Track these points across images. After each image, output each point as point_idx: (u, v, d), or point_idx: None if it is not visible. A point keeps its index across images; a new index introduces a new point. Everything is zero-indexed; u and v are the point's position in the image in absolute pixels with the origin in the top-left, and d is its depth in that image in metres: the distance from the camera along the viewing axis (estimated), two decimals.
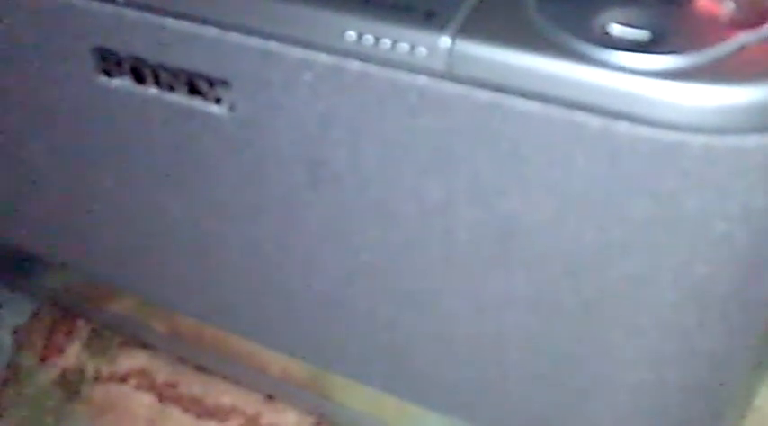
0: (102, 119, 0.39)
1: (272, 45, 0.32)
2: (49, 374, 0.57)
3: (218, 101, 0.35)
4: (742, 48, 0.27)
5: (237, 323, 0.48)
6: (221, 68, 0.34)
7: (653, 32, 0.27)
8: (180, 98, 0.36)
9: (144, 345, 0.57)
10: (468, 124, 0.30)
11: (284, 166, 0.36)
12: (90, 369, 0.57)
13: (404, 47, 0.29)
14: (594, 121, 0.28)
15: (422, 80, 0.30)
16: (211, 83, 0.35)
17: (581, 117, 0.28)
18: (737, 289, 0.31)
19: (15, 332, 0.60)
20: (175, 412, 0.54)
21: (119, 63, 0.36)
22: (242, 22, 0.32)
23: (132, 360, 0.57)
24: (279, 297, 0.43)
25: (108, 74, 0.37)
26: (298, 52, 0.32)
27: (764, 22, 0.27)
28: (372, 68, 0.30)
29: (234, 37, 0.32)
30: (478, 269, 0.35)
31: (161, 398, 0.55)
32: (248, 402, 0.54)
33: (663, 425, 0.37)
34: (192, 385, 0.55)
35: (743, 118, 0.26)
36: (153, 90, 0.36)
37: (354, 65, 0.31)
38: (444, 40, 0.29)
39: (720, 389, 0.36)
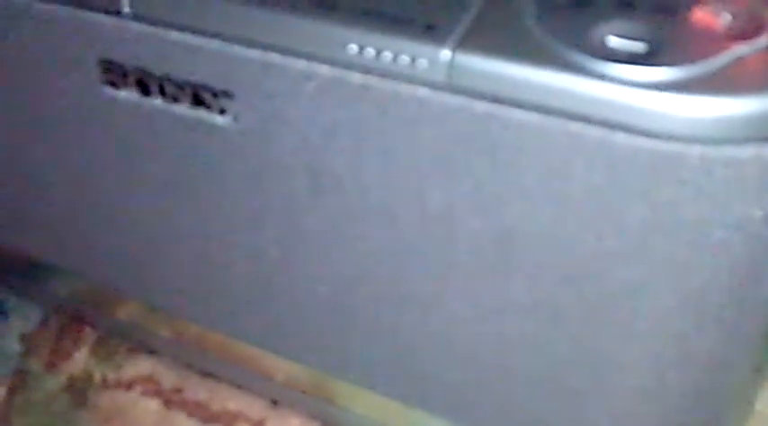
0: (107, 129, 0.40)
1: (275, 57, 0.32)
2: (56, 380, 0.57)
3: (222, 112, 0.35)
4: (738, 59, 0.27)
5: (242, 329, 0.48)
6: (225, 80, 0.34)
7: (650, 44, 0.28)
8: (184, 109, 0.36)
9: (150, 351, 0.58)
10: (468, 135, 0.30)
11: (287, 175, 0.36)
12: (97, 376, 0.57)
13: (405, 59, 0.30)
14: (592, 132, 0.28)
15: (422, 92, 0.30)
16: (215, 94, 0.35)
17: (579, 128, 0.28)
18: (735, 295, 0.31)
19: (23, 338, 0.60)
20: (181, 418, 0.54)
21: (124, 75, 0.37)
22: (245, 34, 0.33)
23: (138, 367, 0.57)
24: (282, 303, 0.44)
25: (113, 85, 0.37)
26: (300, 64, 0.32)
27: (760, 34, 0.28)
28: (374, 80, 0.31)
29: (237, 49, 0.33)
30: (479, 275, 0.35)
31: (167, 404, 0.55)
32: (253, 407, 0.54)
33: None
34: (198, 390, 0.55)
35: (739, 128, 0.26)
36: (158, 101, 0.37)
37: (356, 77, 0.31)
38: (444, 53, 0.29)
39: (720, 394, 0.36)
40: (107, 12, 0.35)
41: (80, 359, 0.58)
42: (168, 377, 0.56)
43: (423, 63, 0.29)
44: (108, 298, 0.56)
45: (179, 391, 0.56)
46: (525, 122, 0.29)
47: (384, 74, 0.30)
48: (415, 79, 0.30)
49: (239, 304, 0.46)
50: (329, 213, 0.37)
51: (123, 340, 0.59)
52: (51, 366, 0.58)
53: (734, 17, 0.28)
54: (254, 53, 0.33)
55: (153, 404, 0.55)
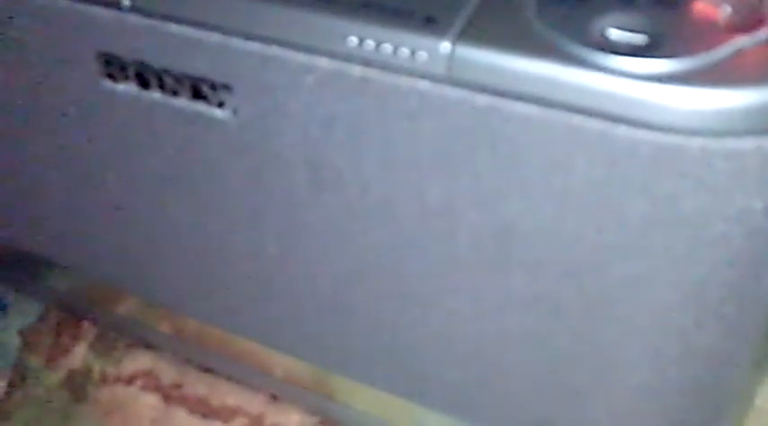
0: (106, 123, 0.40)
1: (274, 50, 0.32)
2: (55, 375, 0.57)
3: (221, 105, 0.35)
4: (739, 51, 0.27)
5: (242, 324, 0.48)
6: (224, 73, 0.34)
7: (651, 36, 0.27)
8: (184, 102, 0.36)
9: (149, 347, 0.58)
10: (468, 128, 0.30)
11: (287, 169, 0.36)
12: (96, 371, 0.57)
13: (405, 52, 0.30)
14: (593, 125, 0.28)
15: (422, 84, 0.30)
16: (214, 87, 0.35)
17: (580, 120, 0.28)
18: (735, 290, 0.31)
19: (22, 333, 0.60)
20: (181, 413, 0.54)
21: (123, 68, 0.37)
22: (244, 27, 0.33)
23: (138, 362, 0.57)
24: (282, 298, 0.44)
25: (112, 78, 0.37)
26: (300, 57, 0.32)
27: (761, 26, 0.28)
28: (373, 73, 0.31)
29: (236, 42, 0.33)
30: (479, 270, 0.35)
31: (166, 399, 0.55)
32: (253, 402, 0.54)
33: (662, 425, 0.37)
34: (197, 385, 0.55)
35: (739, 121, 0.26)
36: (157, 94, 0.37)
37: (356, 69, 0.31)
38: (444, 45, 0.29)
39: (720, 389, 0.36)
40: (106, 4, 0.35)
41: (79, 353, 0.58)
42: (168, 372, 0.56)
43: (423, 55, 0.29)
44: (107, 294, 0.56)
45: (178, 386, 0.56)
46: (526, 115, 0.29)
47: (384, 66, 0.30)
48: (415, 72, 0.30)
49: (239, 299, 0.46)
50: (329, 207, 0.37)
51: (122, 335, 0.59)
52: (50, 361, 0.58)
53: (734, 9, 0.28)
54: (254, 46, 0.33)
55: (152, 399, 0.55)
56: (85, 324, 0.60)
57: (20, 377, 0.58)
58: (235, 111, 0.35)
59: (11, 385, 0.57)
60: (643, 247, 0.30)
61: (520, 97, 0.29)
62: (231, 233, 0.42)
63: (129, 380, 0.56)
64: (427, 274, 0.37)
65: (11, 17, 0.38)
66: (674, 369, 0.34)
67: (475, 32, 0.29)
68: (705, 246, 0.29)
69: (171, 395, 0.55)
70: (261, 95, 0.34)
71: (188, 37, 0.34)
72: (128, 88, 0.37)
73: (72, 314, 0.60)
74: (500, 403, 0.41)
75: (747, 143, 0.27)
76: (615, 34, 0.28)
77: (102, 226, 0.47)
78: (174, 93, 0.36)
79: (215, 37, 0.33)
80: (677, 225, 0.29)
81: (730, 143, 0.27)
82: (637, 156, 0.28)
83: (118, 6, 0.35)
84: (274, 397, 0.54)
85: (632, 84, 0.27)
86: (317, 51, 0.31)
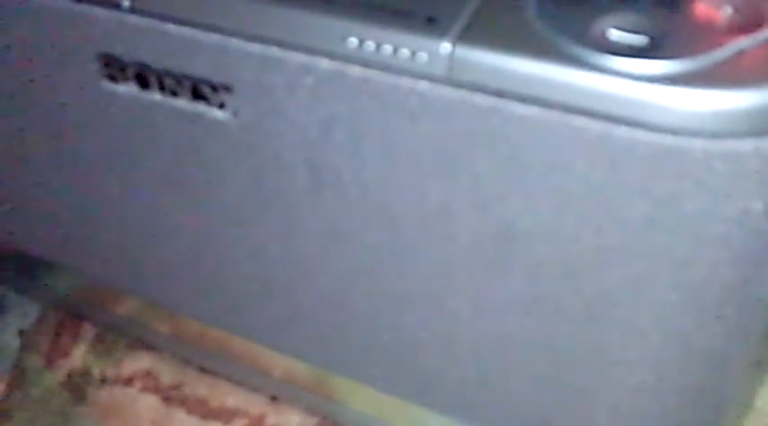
0: (107, 123, 0.40)
1: (275, 51, 0.32)
2: (55, 376, 0.57)
3: (221, 106, 0.35)
4: (739, 53, 0.27)
5: (241, 325, 0.48)
6: (224, 74, 0.34)
7: (651, 38, 0.27)
8: (184, 103, 0.36)
9: (149, 347, 0.58)
10: (468, 128, 0.30)
11: (287, 170, 0.36)
12: (95, 372, 0.57)
13: (405, 52, 0.30)
14: (593, 126, 0.28)
15: (423, 85, 0.30)
16: (215, 88, 0.35)
17: (580, 121, 0.28)
18: (735, 291, 0.31)
19: (21, 334, 0.60)
20: (180, 414, 0.54)
21: (123, 69, 0.37)
22: (244, 28, 0.33)
23: (137, 363, 0.57)
24: (282, 299, 0.44)
25: (113, 79, 0.37)
26: (300, 58, 0.32)
27: (762, 27, 0.28)
28: (374, 74, 0.31)
29: (236, 43, 0.33)
30: (479, 271, 0.35)
31: (166, 400, 0.55)
32: (252, 403, 0.54)
33: (662, 425, 0.37)
34: (197, 386, 0.55)
35: (740, 122, 0.26)
36: (157, 95, 0.37)
37: (356, 70, 0.31)
38: (445, 46, 0.29)
39: (719, 390, 0.36)
40: (106, 5, 0.35)
41: (79, 354, 0.58)
42: (167, 373, 0.56)
43: (423, 56, 0.29)
44: (106, 294, 0.56)
45: (178, 387, 0.56)
46: (526, 116, 0.29)
47: (384, 67, 0.30)
48: (416, 73, 0.30)
49: (238, 300, 0.46)
50: (329, 208, 0.37)
51: (122, 336, 0.59)
52: (50, 362, 0.58)
53: (735, 10, 0.28)
54: (254, 47, 0.33)
55: (152, 400, 0.55)
56: (85, 325, 0.60)
57: (19, 377, 0.57)
58: (235, 112, 0.35)
59: (10, 385, 0.57)
60: (643, 248, 0.30)
61: (520, 98, 0.29)
62: (231, 233, 0.42)
63: (129, 381, 0.56)
64: (427, 275, 0.37)
65: (11, 18, 0.38)
66: (674, 370, 0.34)
67: (475, 33, 0.29)
68: (705, 247, 0.29)
69: (170, 396, 0.55)
70: (261, 96, 0.34)
71: (188, 38, 0.34)
72: (128, 89, 0.37)
73: (71, 315, 0.60)
74: (500, 404, 0.41)
75: (747, 144, 0.27)
76: (616, 35, 0.28)
77: (102, 226, 0.47)
78: (174, 94, 0.36)
79: (215, 38, 0.33)
80: (677, 226, 0.29)
81: (730, 144, 0.27)
82: (636, 157, 0.28)
83: (118, 7, 0.35)
84: (274, 398, 0.54)
85: (632, 86, 0.27)
86: (317, 52, 0.31)
